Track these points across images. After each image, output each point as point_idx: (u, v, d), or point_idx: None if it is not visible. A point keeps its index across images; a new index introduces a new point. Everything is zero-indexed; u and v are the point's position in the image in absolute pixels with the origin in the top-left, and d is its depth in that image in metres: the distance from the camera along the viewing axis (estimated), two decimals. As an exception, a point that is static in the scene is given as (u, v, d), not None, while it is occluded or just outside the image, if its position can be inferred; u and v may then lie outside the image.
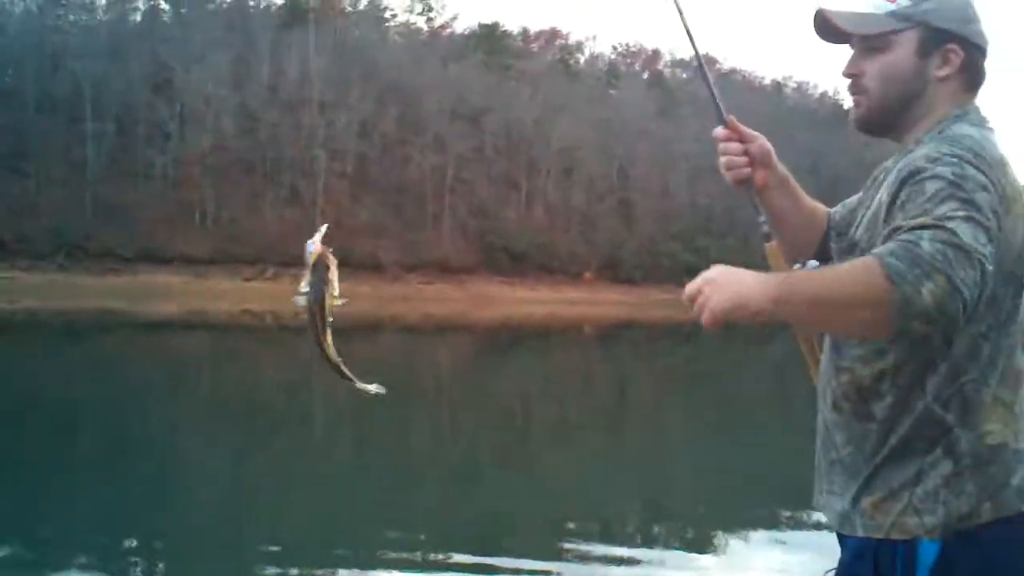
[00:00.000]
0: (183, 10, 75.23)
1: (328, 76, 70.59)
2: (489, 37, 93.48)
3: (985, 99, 1.98)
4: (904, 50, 1.88)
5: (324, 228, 1.93)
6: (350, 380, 2.00)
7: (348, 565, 6.29)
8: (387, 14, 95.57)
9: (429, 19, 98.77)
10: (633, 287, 75.12)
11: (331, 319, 1.88)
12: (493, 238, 73.33)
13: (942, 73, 1.88)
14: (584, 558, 6.37)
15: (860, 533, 1.88)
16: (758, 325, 1.78)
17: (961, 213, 1.63)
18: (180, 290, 52.47)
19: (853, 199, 2.12)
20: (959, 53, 1.87)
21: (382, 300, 55.66)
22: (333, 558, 6.39)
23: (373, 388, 2.01)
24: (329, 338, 1.90)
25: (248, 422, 12.14)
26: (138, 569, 6.28)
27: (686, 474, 9.56)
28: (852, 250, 1.91)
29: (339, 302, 1.89)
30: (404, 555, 6.37)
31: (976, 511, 1.78)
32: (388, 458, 10.43)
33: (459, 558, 6.27)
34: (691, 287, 1.76)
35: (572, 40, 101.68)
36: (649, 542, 6.85)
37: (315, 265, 1.87)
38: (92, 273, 54.32)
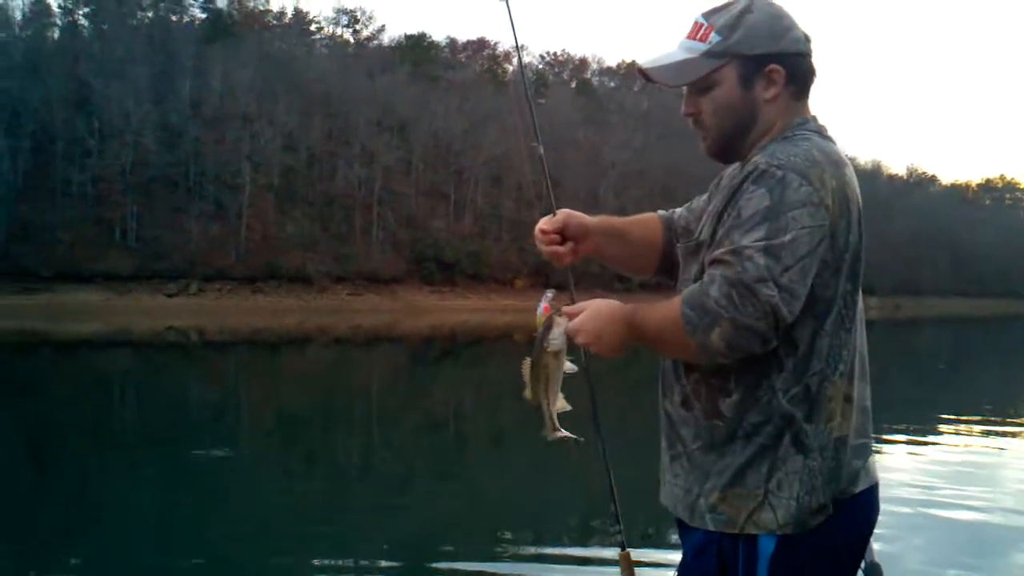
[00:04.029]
0: (104, 26, 73.82)
1: (252, 89, 69.76)
2: (416, 48, 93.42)
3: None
4: (728, 84, 1.93)
5: (550, 293, 2.14)
6: (551, 429, 2.24)
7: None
8: (312, 27, 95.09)
9: (355, 31, 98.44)
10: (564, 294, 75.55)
11: (569, 371, 2.14)
12: (423, 248, 73.18)
13: (769, 95, 1.94)
14: (520, 560, 6.30)
15: (711, 527, 1.91)
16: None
17: (762, 244, 1.73)
18: (101, 308, 51.23)
19: (700, 199, 2.22)
20: (780, 71, 1.92)
21: (310, 312, 55.16)
22: (267, 570, 6.24)
23: (572, 435, 2.27)
24: (545, 390, 2.17)
25: (177, 439, 11.85)
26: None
27: (618, 477, 9.53)
28: (699, 249, 1.98)
29: (569, 368, 2.13)
30: (340, 562, 6.27)
31: (826, 506, 1.84)
32: (321, 470, 10.31)
33: (394, 564, 6.18)
34: (573, 332, 2.02)
35: (500, 50, 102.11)
36: (584, 543, 6.76)
37: (543, 325, 2.10)
38: (8, 293, 52.44)
